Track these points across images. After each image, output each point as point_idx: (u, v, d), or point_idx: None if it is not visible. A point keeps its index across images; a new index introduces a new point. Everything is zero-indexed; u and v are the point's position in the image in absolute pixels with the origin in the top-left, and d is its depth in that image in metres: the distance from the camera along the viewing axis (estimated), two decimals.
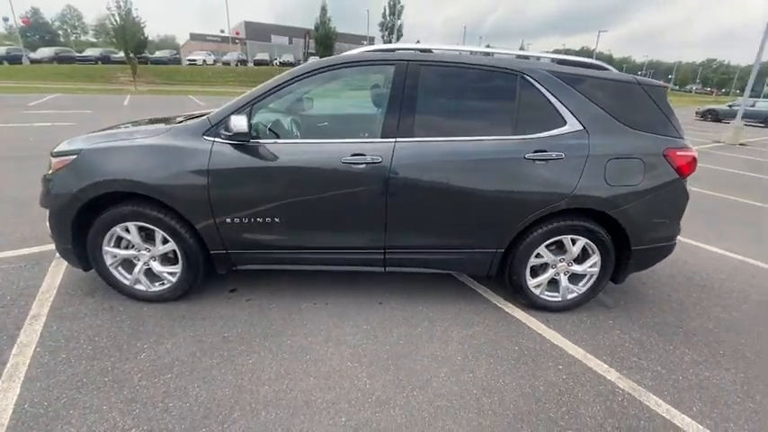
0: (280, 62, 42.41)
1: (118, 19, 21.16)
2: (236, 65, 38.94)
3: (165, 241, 2.33)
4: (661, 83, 2.44)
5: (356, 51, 2.30)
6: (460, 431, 1.69)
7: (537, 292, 2.54)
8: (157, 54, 37.72)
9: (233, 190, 2.21)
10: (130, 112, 12.12)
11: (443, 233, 2.36)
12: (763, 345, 2.42)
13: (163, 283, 2.45)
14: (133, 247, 2.37)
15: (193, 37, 57.78)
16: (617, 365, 2.15)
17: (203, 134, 2.21)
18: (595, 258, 2.46)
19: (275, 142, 2.19)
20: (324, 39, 38.44)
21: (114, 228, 2.27)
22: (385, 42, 33.81)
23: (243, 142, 2.05)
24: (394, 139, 2.21)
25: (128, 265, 2.44)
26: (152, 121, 2.83)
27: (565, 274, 2.52)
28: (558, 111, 2.28)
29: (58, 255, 2.48)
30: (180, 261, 2.37)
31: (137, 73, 22.70)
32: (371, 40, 63.02)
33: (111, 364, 1.95)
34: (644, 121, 2.35)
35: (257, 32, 54.64)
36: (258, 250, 2.37)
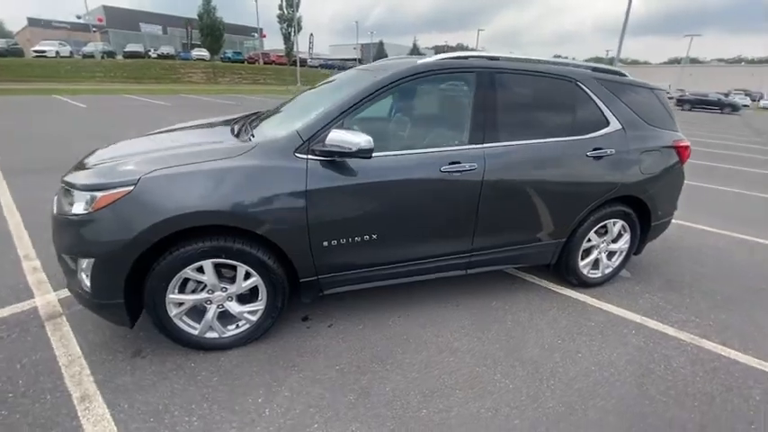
0: (157, 54, 37.41)
1: None
2: (102, 57, 33.05)
3: (246, 276, 2.01)
4: (662, 87, 2.97)
5: (434, 59, 2.27)
6: (617, 404, 1.89)
7: (585, 271, 2.88)
8: None
9: (332, 210, 2.02)
10: None
11: (522, 230, 2.52)
12: (735, 285, 3.15)
13: (238, 326, 2.12)
14: (203, 288, 1.99)
15: (33, 22, 47.01)
16: (668, 322, 2.59)
17: (295, 152, 1.96)
18: (627, 236, 2.90)
19: (376, 156, 2.05)
20: (210, 29, 35.00)
21: (184, 270, 1.88)
22: (284, 34, 32.37)
23: (365, 157, 1.87)
24: (483, 145, 2.27)
25: (194, 311, 2.04)
26: (192, 132, 2.41)
27: (604, 253, 2.91)
28: (603, 113, 2.61)
29: (62, 313, 1.95)
30: (263, 296, 2.08)
31: None
32: (260, 32, 59.64)
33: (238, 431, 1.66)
34: (657, 118, 2.83)
35: (122, 19, 46.93)
36: (351, 271, 2.21)
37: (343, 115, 2.03)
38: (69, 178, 1.92)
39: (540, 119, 2.51)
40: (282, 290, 2.09)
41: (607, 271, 2.96)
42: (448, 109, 2.31)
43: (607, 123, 2.62)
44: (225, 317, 2.09)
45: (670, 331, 2.50)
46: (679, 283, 3.12)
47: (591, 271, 2.92)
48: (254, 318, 2.11)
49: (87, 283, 1.84)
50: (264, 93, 24.50)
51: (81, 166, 2.06)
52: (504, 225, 2.45)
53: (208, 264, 1.90)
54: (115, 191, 1.74)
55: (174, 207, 1.76)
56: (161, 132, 2.68)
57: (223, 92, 23.01)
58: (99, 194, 1.75)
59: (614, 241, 2.91)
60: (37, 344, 2.10)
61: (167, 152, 2.01)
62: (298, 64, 30.17)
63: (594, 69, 2.71)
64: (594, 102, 2.58)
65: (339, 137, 1.85)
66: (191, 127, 2.77)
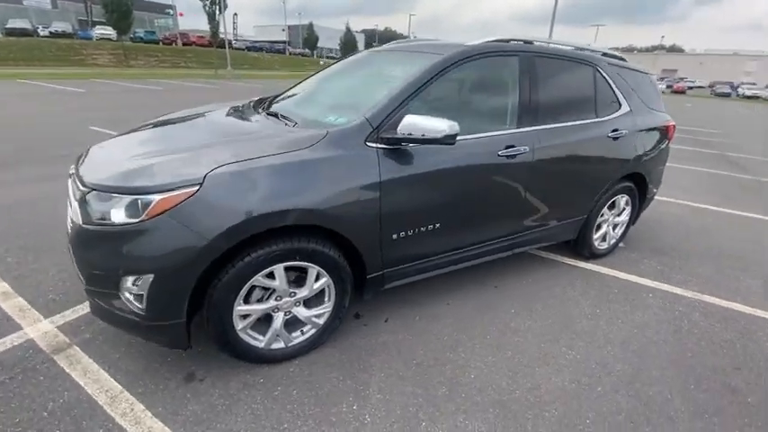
0: (50, 32, 32.07)
1: None
2: None
3: (316, 278, 1.85)
4: (651, 72, 3.25)
5: (481, 42, 2.23)
6: (669, 359, 2.09)
7: (596, 244, 3.12)
8: None
9: (402, 201, 1.92)
10: None
11: (558, 209, 2.64)
12: (702, 246, 3.64)
13: (302, 332, 1.95)
14: (270, 296, 1.79)
15: None
16: (672, 283, 2.92)
17: (365, 140, 1.81)
18: (628, 209, 3.19)
19: None
20: (115, 5, 30.60)
21: (255, 277, 1.67)
22: (208, 13, 29.45)
23: (449, 143, 1.77)
24: (531, 128, 2.31)
25: (257, 321, 1.83)
26: (218, 120, 2.15)
27: (610, 226, 3.17)
28: (616, 96, 2.80)
29: (70, 343, 1.66)
30: (331, 297, 1.93)
31: None
32: (175, 9, 54.04)
33: None
34: (652, 100, 3.11)
35: None
36: (413, 262, 2.14)
37: (407, 101, 1.92)
38: (99, 180, 1.58)
39: (569, 102, 2.61)
40: (349, 289, 1.96)
41: (612, 242, 3.24)
42: (496, 92, 2.30)
43: (620, 106, 2.82)
44: (287, 324, 1.91)
45: (677, 291, 2.82)
46: (663, 248, 3.52)
47: (600, 243, 3.17)
48: (320, 321, 1.95)
49: (138, 304, 1.55)
50: (191, 77, 22.31)
51: (103, 166, 1.71)
52: (544, 205, 2.54)
53: (279, 268, 1.71)
54: (176, 192, 1.47)
55: (250, 207, 1.54)
56: (171, 123, 2.31)
57: (142, 77, 20.47)
58: (156, 198, 1.46)
59: (618, 215, 3.18)
60: (56, 384, 1.73)
61: (217, 145, 1.74)
62: (227, 46, 27.78)
63: (604, 54, 2.89)
64: (610, 86, 2.76)
65: (418, 123, 1.75)
66: (200, 115, 2.42)
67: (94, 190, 1.56)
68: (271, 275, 1.71)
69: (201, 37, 40.52)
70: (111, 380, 1.77)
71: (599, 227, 3.09)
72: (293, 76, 31.19)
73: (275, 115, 2.19)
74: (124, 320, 1.62)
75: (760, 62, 65.93)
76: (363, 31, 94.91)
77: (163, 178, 1.51)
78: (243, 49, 44.56)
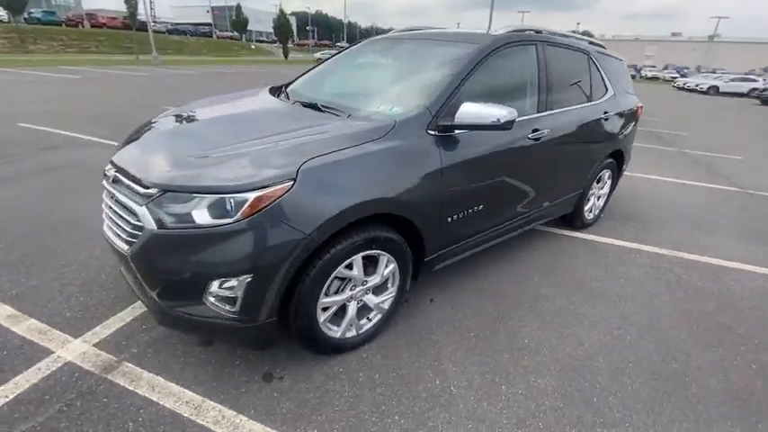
0: None
1: None
2: None
3: (385, 265, 1.89)
4: (623, 59, 3.64)
5: (505, 32, 2.36)
6: (680, 311, 2.46)
7: (586, 215, 3.49)
8: None
9: (459, 185, 2.02)
10: None
11: (566, 185, 2.92)
12: (664, 212, 4.22)
13: (369, 319, 1.99)
14: (345, 287, 1.81)
15: None
16: (650, 243, 3.37)
17: (426, 128, 1.87)
18: (609, 183, 3.60)
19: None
20: None
21: (338, 269, 1.68)
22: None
23: (507, 129, 1.87)
24: (549, 112, 2.51)
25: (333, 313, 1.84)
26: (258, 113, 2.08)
27: (596, 198, 3.56)
28: (604, 81, 3.12)
29: (121, 359, 1.59)
30: (395, 282, 1.99)
31: None
32: None
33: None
34: (627, 85, 3.50)
35: None
36: (459, 243, 2.26)
37: (458, 89, 2.00)
38: (171, 179, 1.47)
39: (573, 87, 2.87)
40: (411, 273, 2.04)
41: (596, 212, 3.64)
42: (520, 79, 2.45)
43: (606, 90, 3.15)
44: (357, 312, 1.94)
45: (657, 250, 3.27)
46: (631, 215, 4.02)
47: (588, 214, 3.54)
48: (386, 306, 2.01)
49: (230, 306, 1.49)
50: (109, 64, 19.92)
51: (165, 164, 1.58)
52: (557, 182, 2.80)
53: (358, 258, 1.73)
54: (272, 189, 1.42)
55: (342, 199, 1.54)
56: (203, 118, 2.16)
57: (50, 64, 17.85)
58: (251, 196, 1.40)
59: (602, 188, 3.57)
60: (125, 404, 1.61)
61: (289, 138, 1.69)
62: (150, 30, 25.04)
63: (591, 43, 3.18)
64: (600, 71, 3.07)
65: (477, 110, 1.84)
66: (229, 107, 2.30)
67: (169, 191, 1.45)
68: (349, 266, 1.73)
69: (113, 18, 36.20)
70: (186, 391, 1.68)
71: (588, 199, 3.45)
72: (227, 62, 29.28)
73: (313, 106, 2.15)
74: (207, 326, 1.56)
75: (659, 46, 74.65)
76: (294, 14, 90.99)
77: (254, 174, 1.45)
78: (163, 33, 40.58)
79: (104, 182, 1.78)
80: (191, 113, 2.18)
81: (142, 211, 1.48)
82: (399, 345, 2.04)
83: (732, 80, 28.29)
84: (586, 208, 3.42)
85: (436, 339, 2.09)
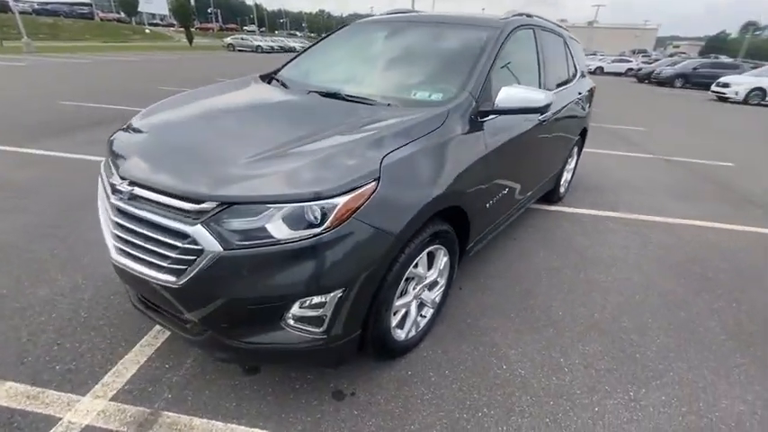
0: None
1: None
2: None
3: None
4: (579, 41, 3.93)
5: (512, 17, 2.37)
6: (659, 267, 2.79)
7: (561, 189, 3.77)
8: None
9: (497, 170, 2.03)
10: None
11: (553, 162, 3.10)
12: (615, 183, 4.74)
13: (422, 315, 1.93)
14: (409, 286, 1.71)
15: None
16: (617, 210, 3.77)
17: (471, 115, 1.81)
18: (575, 158, 3.92)
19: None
20: None
21: (409, 269, 1.58)
22: None
23: (545, 111, 1.88)
24: (552, 91, 2.62)
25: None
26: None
27: (567, 173, 3.86)
28: (576, 64, 3.35)
29: (154, 409, 1.40)
30: (444, 275, 1.95)
31: None
32: None
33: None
34: (584, 67, 3.80)
35: None
36: (488, 227, 2.28)
37: (489, 73, 1.98)
38: (237, 190, 1.23)
39: (561, 69, 3.02)
40: (456, 264, 2.01)
41: (567, 186, 3.96)
42: (526, 62, 2.48)
43: (576, 71, 3.39)
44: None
45: (624, 215, 3.68)
46: (590, 186, 4.47)
47: (562, 189, 3.84)
48: (438, 300, 1.96)
49: (315, 328, 1.33)
50: None
51: (211, 172, 1.31)
52: (551, 159, 2.96)
53: (424, 255, 1.65)
54: (360, 190, 1.27)
55: (420, 194, 1.45)
56: (222, 116, 1.82)
57: None
58: (339, 201, 1.23)
59: (570, 164, 3.88)
60: None
61: (345, 132, 1.51)
62: (15, 9, 20.59)
63: (558, 26, 3.38)
64: (572, 54, 3.28)
65: (518, 94, 1.84)
66: (238, 101, 2.00)
67: (236, 203, 1.21)
68: (415, 265, 1.64)
69: None
70: (255, 430, 1.47)
71: (563, 175, 3.73)
72: (122, 49, 25.40)
73: (335, 96, 1.96)
74: (283, 354, 1.37)
75: None
76: None
77: (337, 177, 1.27)
78: (30, 13, 33.90)
79: (111, 200, 1.43)
80: (192, 111, 1.85)
81: (197, 230, 1.22)
82: (452, 337, 2.01)
83: (613, 61, 32.67)
84: (562, 182, 3.70)
85: (482, 325, 2.11)
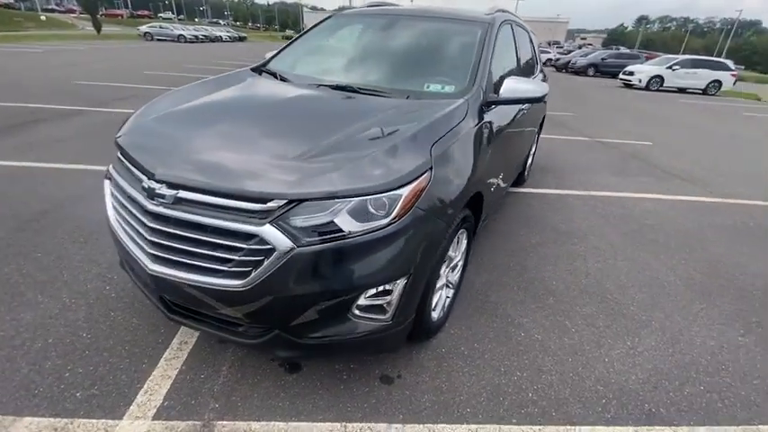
0: None
1: None
2: None
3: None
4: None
5: (496, 13, 2.53)
6: (630, 237, 3.20)
7: (526, 171, 4.11)
8: None
9: (500, 155, 2.20)
10: None
11: (526, 147, 3.37)
12: (572, 164, 5.24)
13: (448, 296, 2.05)
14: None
15: None
16: (574, 189, 4.20)
17: (481, 105, 1.94)
18: (536, 145, 4.29)
19: None
20: None
21: (448, 252, 1.68)
22: None
23: (543, 102, 2.06)
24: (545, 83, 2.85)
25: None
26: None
27: (530, 159, 4.21)
28: (537, 58, 3.64)
29: (206, 420, 1.45)
30: (462, 257, 2.08)
31: None
32: None
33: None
34: (540, 59, 4.14)
35: None
36: (491, 209, 2.45)
37: (490, 65, 2.12)
38: (303, 187, 1.22)
39: (530, 61, 3.27)
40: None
41: (529, 168, 4.32)
42: (507, 55, 2.64)
43: (537, 63, 3.70)
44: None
45: (580, 193, 4.12)
46: (546, 168, 4.90)
47: (526, 171, 4.19)
48: (456, 280, 2.09)
49: (381, 315, 1.38)
50: None
51: (271, 172, 1.28)
52: (525, 144, 3.23)
53: (455, 238, 1.76)
54: (419, 180, 1.33)
55: (462, 181, 1.56)
56: (247, 115, 1.71)
57: None
58: (403, 192, 1.28)
59: (533, 148, 4.24)
60: None
61: (382, 123, 1.54)
62: None
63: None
64: (534, 48, 3.57)
65: (520, 86, 2.00)
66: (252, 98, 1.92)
67: (304, 200, 1.21)
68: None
69: None
70: (317, 424, 1.49)
71: (529, 158, 4.07)
72: (16, 39, 21.75)
73: (345, 89, 1.97)
74: (347, 345, 1.40)
75: None
76: None
77: (398, 169, 1.31)
78: None
79: (149, 207, 1.33)
80: (210, 108, 1.75)
81: (266, 230, 1.20)
82: (471, 314, 2.16)
83: None
84: (527, 165, 4.04)
85: (497, 301, 2.29)
